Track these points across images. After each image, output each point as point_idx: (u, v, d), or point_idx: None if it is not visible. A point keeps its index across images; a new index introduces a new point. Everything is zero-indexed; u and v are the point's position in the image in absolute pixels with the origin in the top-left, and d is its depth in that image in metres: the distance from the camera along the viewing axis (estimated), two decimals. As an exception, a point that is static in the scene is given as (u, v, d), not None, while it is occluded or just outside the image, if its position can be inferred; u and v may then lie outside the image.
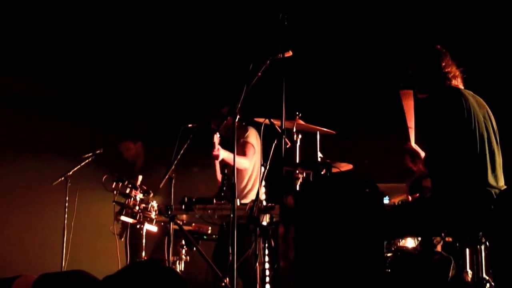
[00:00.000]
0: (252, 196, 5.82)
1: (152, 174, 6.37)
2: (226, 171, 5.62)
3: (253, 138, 5.95)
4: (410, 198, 4.69)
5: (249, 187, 5.97)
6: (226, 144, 6.12)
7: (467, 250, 4.30)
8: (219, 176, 5.92)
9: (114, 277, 3.92)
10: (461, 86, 4.33)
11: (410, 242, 4.65)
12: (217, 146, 5.62)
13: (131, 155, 7.18)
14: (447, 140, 4.08)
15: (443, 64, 4.28)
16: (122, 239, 5.98)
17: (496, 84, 6.22)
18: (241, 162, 5.75)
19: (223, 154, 5.67)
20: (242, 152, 5.82)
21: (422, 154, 4.43)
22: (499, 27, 6.51)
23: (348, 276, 3.77)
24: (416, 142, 4.51)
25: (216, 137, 5.63)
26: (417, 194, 4.65)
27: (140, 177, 5.66)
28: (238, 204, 5.04)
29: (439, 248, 4.48)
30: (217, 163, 5.91)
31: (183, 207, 5.26)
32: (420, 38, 6.22)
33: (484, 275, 4.10)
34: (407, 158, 4.46)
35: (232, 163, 5.60)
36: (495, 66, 6.47)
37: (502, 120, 4.41)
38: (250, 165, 5.94)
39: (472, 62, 4.44)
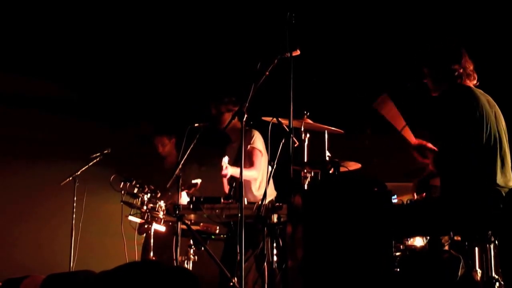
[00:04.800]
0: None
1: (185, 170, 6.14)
2: (234, 184, 5.52)
3: (259, 142, 5.91)
4: (416, 197, 4.64)
5: (260, 191, 5.91)
6: (225, 143, 6.13)
7: (476, 249, 4.29)
8: (226, 189, 5.86)
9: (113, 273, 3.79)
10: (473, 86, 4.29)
11: (418, 241, 4.63)
12: (224, 165, 5.58)
13: (165, 151, 7.00)
14: (458, 139, 4.06)
15: (460, 62, 4.24)
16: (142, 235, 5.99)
17: (505, 83, 6.19)
18: (249, 174, 5.72)
19: (231, 171, 5.63)
20: (250, 162, 5.77)
21: (429, 144, 4.36)
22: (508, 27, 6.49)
23: (357, 276, 3.76)
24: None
25: (225, 160, 5.59)
26: (424, 194, 4.62)
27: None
28: (246, 203, 5.03)
29: (447, 247, 4.46)
30: (225, 180, 5.86)
31: (191, 206, 5.26)
32: (427, 38, 6.20)
33: (494, 274, 4.09)
34: (418, 157, 4.41)
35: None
36: (504, 64, 6.44)
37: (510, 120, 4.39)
38: (259, 173, 5.89)
39: (480, 61, 4.41)
